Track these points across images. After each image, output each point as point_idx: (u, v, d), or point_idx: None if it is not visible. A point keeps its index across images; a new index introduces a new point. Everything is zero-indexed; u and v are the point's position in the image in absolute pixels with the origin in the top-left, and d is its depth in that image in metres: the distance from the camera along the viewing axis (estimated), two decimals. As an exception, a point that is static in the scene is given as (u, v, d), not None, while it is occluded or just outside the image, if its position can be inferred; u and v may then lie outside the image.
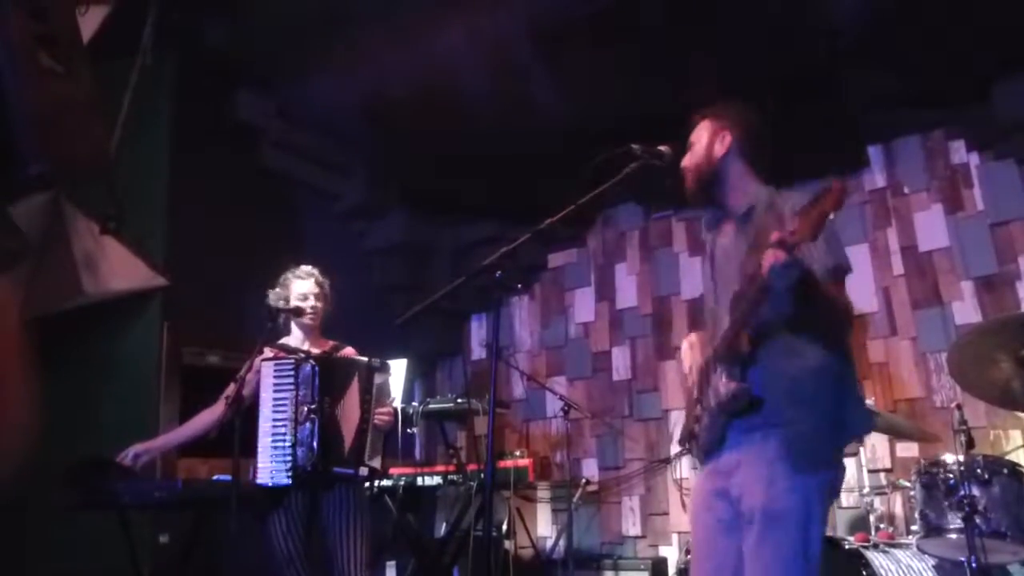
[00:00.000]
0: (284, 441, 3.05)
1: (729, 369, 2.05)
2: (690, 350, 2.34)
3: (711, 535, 2.11)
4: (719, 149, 2.25)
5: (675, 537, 5.02)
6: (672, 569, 4.72)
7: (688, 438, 2.25)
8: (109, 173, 4.01)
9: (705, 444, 2.16)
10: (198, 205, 4.47)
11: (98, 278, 4.09)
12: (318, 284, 3.37)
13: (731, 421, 2.08)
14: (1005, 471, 2.78)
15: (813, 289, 1.95)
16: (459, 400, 4.36)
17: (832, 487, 2.06)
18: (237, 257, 4.59)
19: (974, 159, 4.60)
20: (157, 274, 4.25)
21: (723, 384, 2.05)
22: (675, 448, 5.11)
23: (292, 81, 4.88)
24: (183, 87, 4.55)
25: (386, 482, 4.29)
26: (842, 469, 2.11)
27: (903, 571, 2.94)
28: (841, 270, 2.06)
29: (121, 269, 4.18)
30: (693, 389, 2.27)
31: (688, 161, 2.31)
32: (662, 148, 2.35)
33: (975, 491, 2.70)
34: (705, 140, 2.28)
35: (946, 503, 2.78)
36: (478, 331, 6.20)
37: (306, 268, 3.38)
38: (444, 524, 5.14)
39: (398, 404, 4.16)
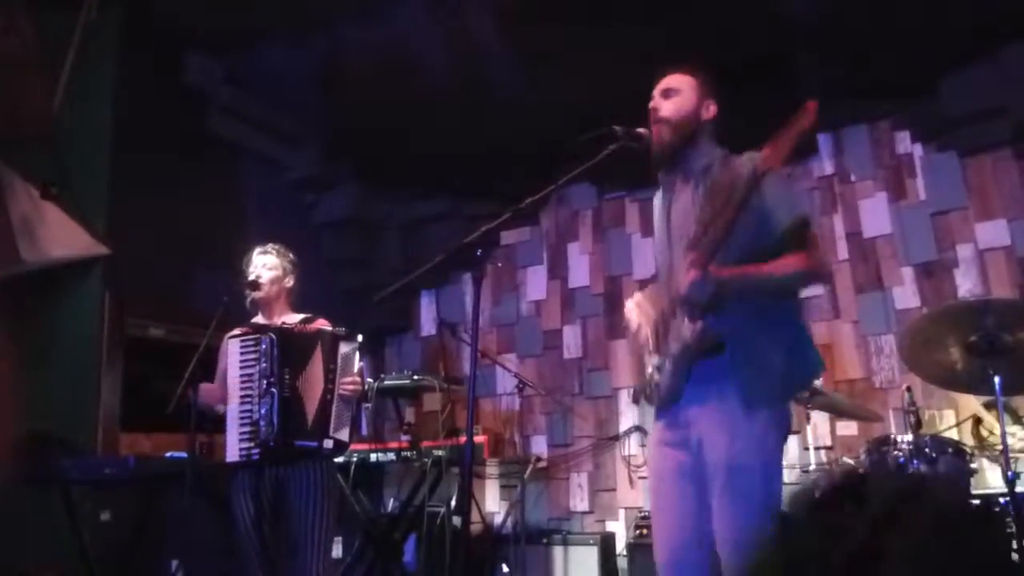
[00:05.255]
0: (249, 417, 2.99)
1: (691, 313, 2.10)
2: (638, 308, 2.36)
3: (672, 481, 2.17)
4: (705, 115, 2.29)
5: (622, 512, 5.11)
6: (621, 544, 4.81)
7: (647, 388, 2.27)
8: (51, 134, 3.83)
9: (665, 392, 2.19)
10: (142, 170, 4.30)
11: (37, 245, 3.90)
12: (276, 257, 3.32)
13: (692, 368, 2.13)
14: (950, 450, 2.91)
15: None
16: (415, 376, 4.32)
17: (787, 422, 2.15)
18: (182, 225, 4.44)
19: (918, 150, 4.76)
20: (99, 242, 4.08)
21: (687, 327, 2.10)
22: (624, 426, 5.20)
23: (244, 46, 4.72)
24: (128, 46, 4.34)
25: (339, 459, 4.23)
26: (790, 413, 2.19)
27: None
28: (806, 221, 2.16)
29: (61, 236, 4.00)
30: (647, 343, 2.29)
31: (671, 112, 2.27)
32: (642, 131, 2.35)
33: (923, 469, 2.83)
34: (693, 100, 2.29)
35: (895, 480, 2.89)
36: (428, 307, 6.15)
37: (273, 244, 3.35)
38: (392, 500, 5.12)
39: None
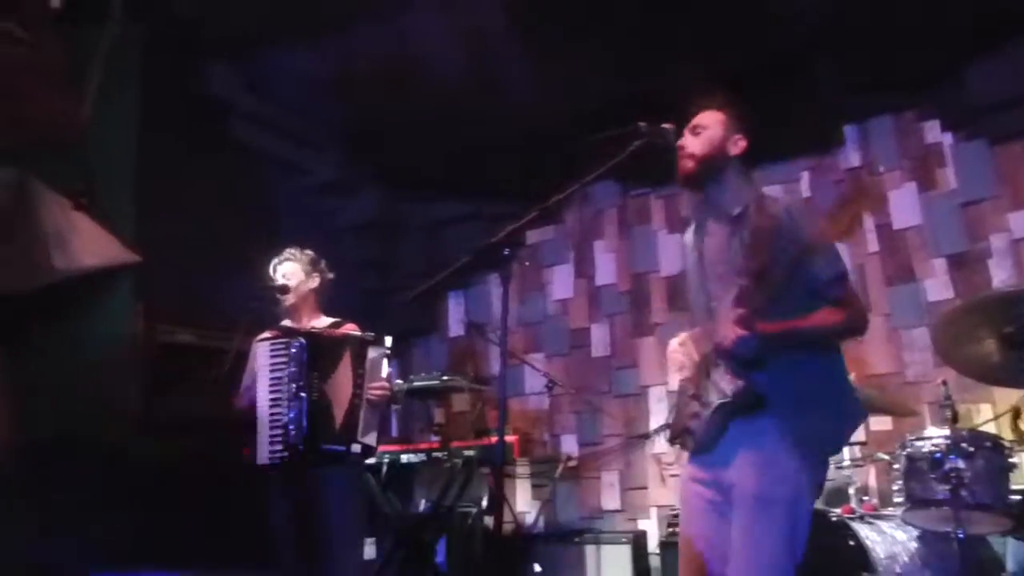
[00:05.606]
0: (279, 421, 3.02)
1: (732, 366, 2.09)
2: (683, 350, 2.32)
3: (702, 517, 2.16)
4: (733, 150, 2.30)
5: (653, 511, 5.08)
6: (653, 542, 4.78)
7: (681, 434, 2.26)
8: (81, 146, 3.88)
9: (701, 440, 2.17)
10: (167, 179, 4.35)
11: (69, 254, 3.96)
12: (293, 263, 3.35)
13: (731, 419, 2.11)
14: (988, 444, 2.86)
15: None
16: (443, 377, 4.35)
17: (823, 470, 2.15)
18: (208, 231, 4.50)
19: (947, 139, 4.67)
20: (128, 250, 4.14)
21: (727, 381, 2.09)
22: (654, 424, 5.17)
23: (263, 54, 4.77)
24: (151, 57, 4.40)
25: (369, 460, 4.26)
26: (827, 466, 2.20)
27: (888, 541, 3.02)
28: (844, 277, 2.16)
29: (93, 245, 4.06)
30: (688, 385, 2.27)
31: (697, 148, 2.29)
32: (666, 127, 2.34)
33: (960, 464, 2.78)
34: (720, 135, 2.29)
35: (932, 476, 2.85)
36: (455, 308, 6.17)
37: (289, 250, 3.38)
38: (423, 501, 5.13)
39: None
